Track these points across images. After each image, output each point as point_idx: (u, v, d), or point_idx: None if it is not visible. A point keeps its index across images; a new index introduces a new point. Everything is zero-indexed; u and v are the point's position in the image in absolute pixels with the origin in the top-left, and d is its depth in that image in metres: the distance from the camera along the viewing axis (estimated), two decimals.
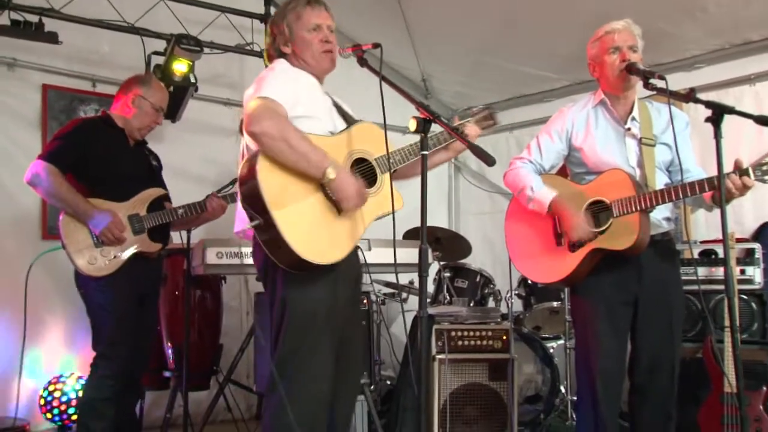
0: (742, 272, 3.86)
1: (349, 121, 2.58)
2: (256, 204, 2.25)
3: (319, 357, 2.36)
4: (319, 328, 2.36)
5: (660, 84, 2.57)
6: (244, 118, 2.32)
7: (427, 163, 2.16)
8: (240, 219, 2.42)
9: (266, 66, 2.59)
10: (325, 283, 2.37)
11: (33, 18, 4.19)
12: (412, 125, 2.18)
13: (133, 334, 3.30)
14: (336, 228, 2.36)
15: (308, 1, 2.53)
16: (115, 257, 3.26)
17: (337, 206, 2.35)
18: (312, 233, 2.29)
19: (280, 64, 2.52)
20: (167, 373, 4.21)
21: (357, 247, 2.49)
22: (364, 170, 2.49)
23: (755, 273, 3.87)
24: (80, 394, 4.02)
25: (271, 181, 2.25)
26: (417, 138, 2.29)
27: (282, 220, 2.22)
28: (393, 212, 2.42)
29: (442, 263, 4.59)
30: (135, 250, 3.32)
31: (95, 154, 3.31)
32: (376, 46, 2.37)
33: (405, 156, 2.56)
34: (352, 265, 2.51)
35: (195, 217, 3.56)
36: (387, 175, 2.48)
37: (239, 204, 2.40)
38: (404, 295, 4.91)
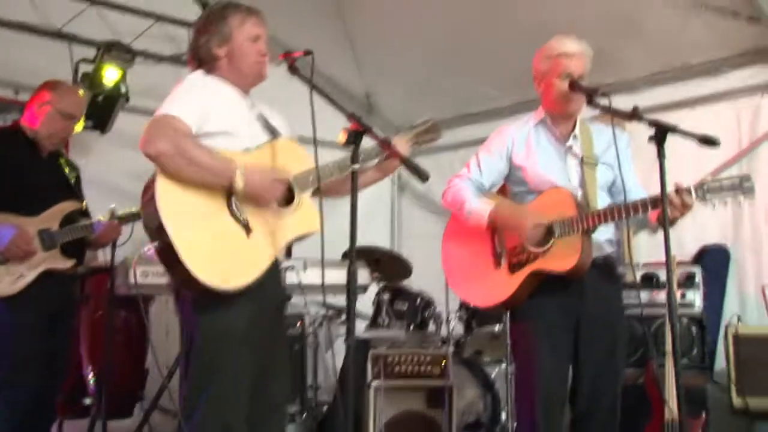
0: (683, 296, 3.84)
1: (276, 136, 2.43)
2: (154, 225, 2.12)
3: (230, 388, 2.18)
4: (229, 356, 2.19)
5: (603, 101, 2.52)
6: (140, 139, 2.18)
7: (357, 178, 2.01)
8: None
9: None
10: (237, 307, 2.18)
11: None
12: (341, 137, 2.05)
13: (41, 358, 3.06)
14: (244, 251, 2.19)
15: (248, 9, 2.44)
16: (21, 276, 3.02)
17: (247, 227, 2.21)
18: (215, 256, 2.12)
19: (193, 76, 2.40)
20: (87, 401, 3.97)
21: (281, 269, 2.35)
22: None
23: (695, 297, 3.86)
24: None
25: (169, 202, 2.12)
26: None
27: (180, 242, 2.07)
28: (322, 232, 2.28)
29: (381, 284, 4.46)
30: (44, 268, 3.08)
31: (1, 167, 3.09)
32: (308, 53, 2.28)
33: (328, 173, 2.39)
34: (272, 289, 2.33)
35: None
36: (305, 194, 2.33)
37: None
38: (343, 317, 4.76)
